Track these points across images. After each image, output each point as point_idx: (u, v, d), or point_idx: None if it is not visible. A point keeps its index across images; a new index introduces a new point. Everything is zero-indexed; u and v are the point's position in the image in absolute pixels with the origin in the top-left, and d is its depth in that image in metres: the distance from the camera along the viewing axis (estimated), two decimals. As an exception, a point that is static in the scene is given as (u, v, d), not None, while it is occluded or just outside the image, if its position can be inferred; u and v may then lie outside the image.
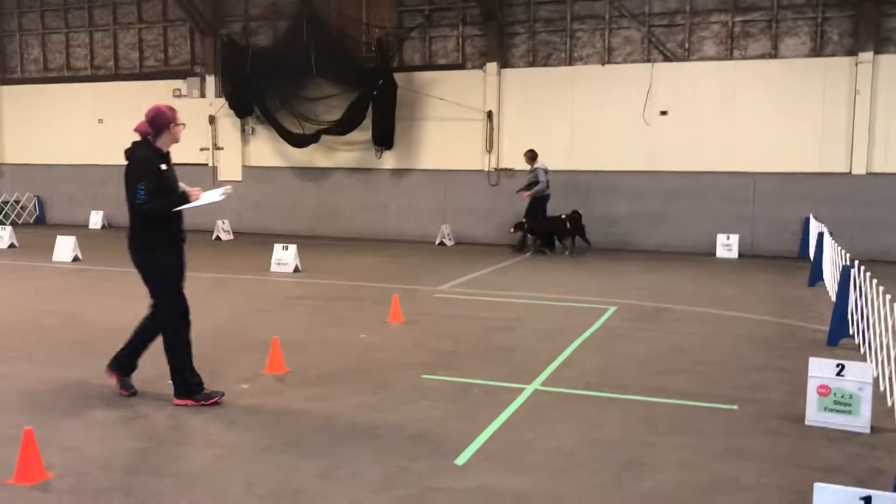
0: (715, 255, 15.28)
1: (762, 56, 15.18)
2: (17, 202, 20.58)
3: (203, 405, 5.56)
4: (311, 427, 5.21)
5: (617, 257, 14.96)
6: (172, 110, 5.55)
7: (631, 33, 15.98)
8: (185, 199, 5.53)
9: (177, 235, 5.66)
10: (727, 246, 15.20)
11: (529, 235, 15.28)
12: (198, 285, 11.07)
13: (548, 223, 15.13)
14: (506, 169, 16.85)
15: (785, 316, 9.24)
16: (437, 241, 16.72)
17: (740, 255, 15.20)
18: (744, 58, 15.27)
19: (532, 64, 16.68)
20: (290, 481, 4.32)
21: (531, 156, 15.20)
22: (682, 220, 15.82)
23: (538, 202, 15.10)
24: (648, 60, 15.81)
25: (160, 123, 5.49)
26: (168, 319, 5.61)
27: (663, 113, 15.72)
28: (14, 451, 4.33)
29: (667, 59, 15.71)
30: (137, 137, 5.58)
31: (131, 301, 9.74)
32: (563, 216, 15.03)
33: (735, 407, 5.76)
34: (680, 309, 9.64)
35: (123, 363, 5.87)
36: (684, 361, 7.12)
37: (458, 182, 17.07)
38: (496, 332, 8.22)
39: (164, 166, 5.53)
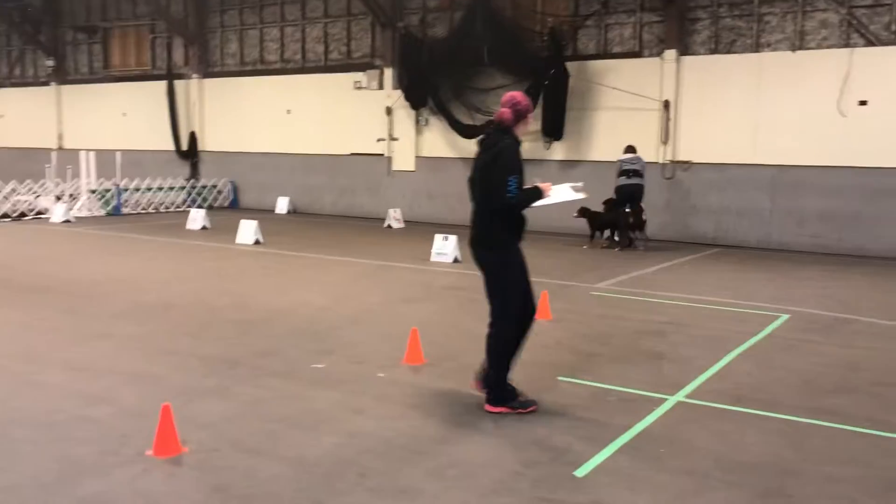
0: (919, 261, 13.69)
1: None
2: (214, 187, 22.34)
3: (520, 413, 5.31)
4: (435, 421, 5.20)
5: (802, 260, 13.80)
6: (528, 99, 5.41)
7: (828, 16, 14.60)
8: (539, 194, 5.26)
9: (523, 233, 5.38)
10: (935, 252, 13.54)
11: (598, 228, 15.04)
12: (356, 270, 11.55)
13: (606, 215, 14.82)
14: (682, 161, 16.04)
15: None
16: (605, 235, 16.23)
17: (951, 262, 13.51)
18: (965, 39, 13.49)
19: (714, 51, 15.71)
20: (401, 477, 4.32)
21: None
22: (884, 220, 14.28)
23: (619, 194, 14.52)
24: (847, 45, 14.37)
25: (522, 112, 5.26)
26: (501, 321, 5.31)
27: (862, 103, 14.24)
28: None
29: (869, 43, 14.20)
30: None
31: (301, 285, 10.33)
32: (627, 209, 14.44)
33: (909, 439, 5.09)
34: (865, 321, 8.70)
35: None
36: (858, 381, 6.40)
37: (630, 175, 16.44)
38: (648, 335, 7.82)
39: None
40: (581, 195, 5.50)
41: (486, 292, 5.40)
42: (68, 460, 4.46)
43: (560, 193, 5.41)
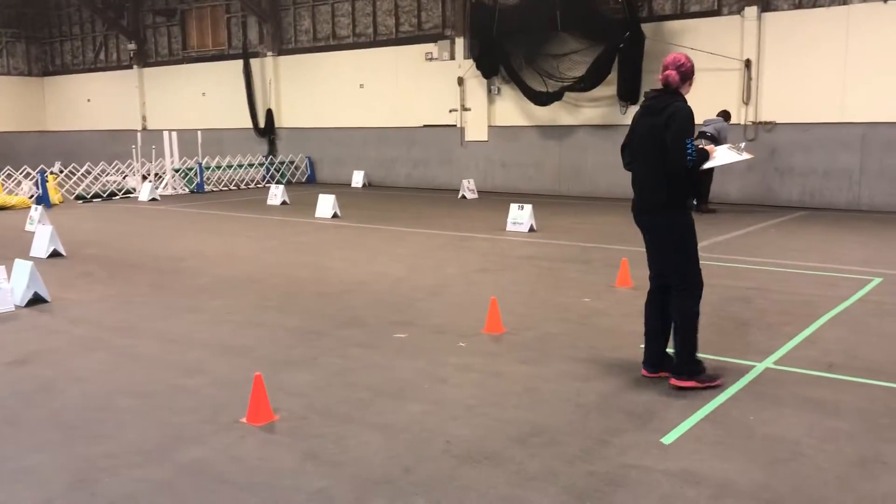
0: None
1: None
2: (292, 162, 22.75)
3: (708, 387, 5.17)
4: (517, 391, 5.22)
5: (895, 221, 13.19)
6: (691, 59, 5.27)
7: (924, -39, 13.78)
8: (706, 156, 5.16)
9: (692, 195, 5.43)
10: None
11: None
12: (433, 242, 11.61)
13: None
14: (765, 122, 15.48)
15: None
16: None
17: None
18: None
19: (798, 6, 15.03)
20: (488, 444, 4.37)
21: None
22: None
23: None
24: (945, -9, 13.55)
25: (687, 72, 5.19)
26: (692, 291, 5.19)
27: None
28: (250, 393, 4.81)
29: (970, -12, 13.35)
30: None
31: (379, 256, 10.48)
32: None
33: None
34: (965, 284, 8.29)
35: (662, 359, 5.43)
36: (959, 346, 6.11)
37: (710, 138, 15.99)
38: (733, 302, 7.64)
39: None
40: (746, 156, 5.34)
41: (656, 260, 5.36)
42: (168, 428, 4.67)
43: (723, 156, 5.30)
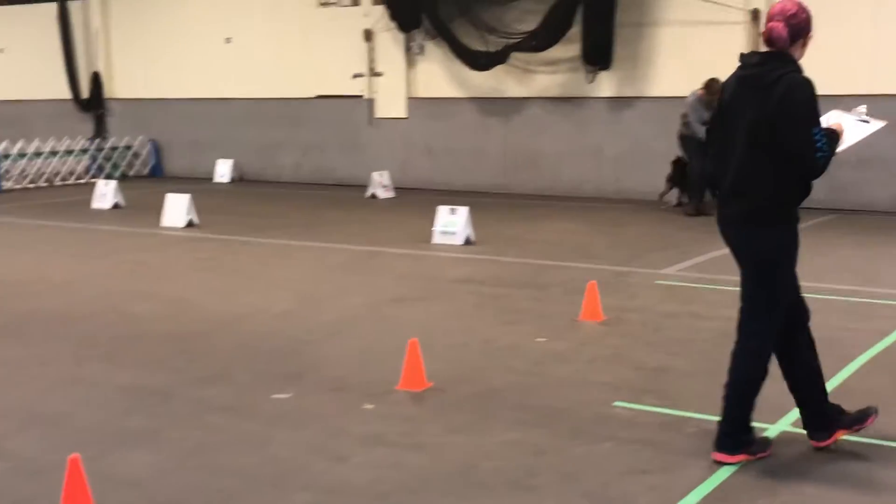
0: None
1: None
2: (128, 148, 22.36)
3: (760, 458, 5.29)
4: (447, 472, 5.24)
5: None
6: (807, 10, 5.13)
7: None
8: (837, 140, 5.11)
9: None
10: None
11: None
12: (331, 260, 11.58)
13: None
14: (779, 95, 15.98)
15: None
16: (675, 202, 16.23)
17: None
18: None
19: (821, -63, 15.63)
20: (403, 548, 4.36)
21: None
22: None
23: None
24: None
25: (802, 26, 5.07)
26: (762, 328, 5.28)
27: None
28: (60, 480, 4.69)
29: None
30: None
31: (255, 282, 10.37)
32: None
33: None
34: None
35: (823, 419, 5.44)
36: None
37: (707, 115, 16.44)
38: (737, 339, 7.84)
39: None
40: (878, 123, 5.33)
41: (744, 288, 5.37)
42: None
43: (853, 131, 5.24)
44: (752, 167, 5.12)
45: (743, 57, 5.25)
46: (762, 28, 15.50)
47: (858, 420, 5.47)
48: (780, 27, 4.98)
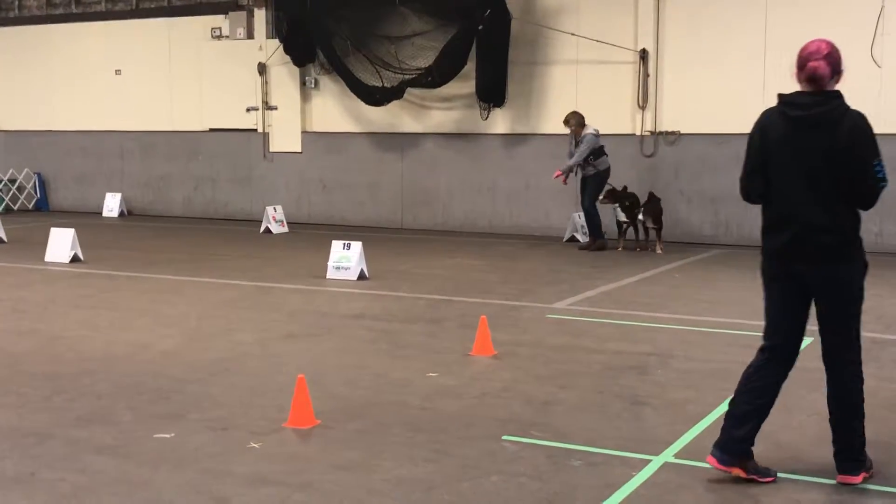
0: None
1: None
2: (13, 182, 21.82)
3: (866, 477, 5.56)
4: (332, 509, 5.18)
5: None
6: (836, 47, 5.41)
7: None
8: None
9: None
10: None
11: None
12: (221, 296, 11.44)
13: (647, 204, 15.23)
14: (667, 133, 16.41)
15: None
16: (566, 237, 16.47)
17: None
18: None
19: (706, -19, 16.15)
20: (284, 589, 4.29)
21: (579, 120, 15.16)
22: None
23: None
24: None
25: (837, 64, 5.32)
26: (857, 357, 5.56)
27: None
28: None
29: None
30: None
31: (139, 320, 10.15)
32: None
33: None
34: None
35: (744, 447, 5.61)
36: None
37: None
38: (624, 372, 7.98)
39: None
40: None
41: (825, 322, 5.58)
42: None
43: None
44: (831, 203, 5.30)
45: (787, 97, 5.40)
46: (648, 71, 15.89)
47: (759, 472, 5.59)
48: (823, 66, 5.23)
